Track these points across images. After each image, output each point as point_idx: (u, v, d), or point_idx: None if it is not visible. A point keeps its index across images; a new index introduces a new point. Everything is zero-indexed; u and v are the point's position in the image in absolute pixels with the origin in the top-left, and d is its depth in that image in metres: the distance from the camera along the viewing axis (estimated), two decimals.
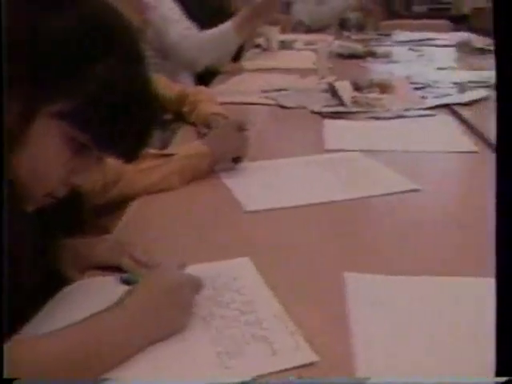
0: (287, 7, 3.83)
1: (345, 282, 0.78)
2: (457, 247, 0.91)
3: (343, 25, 3.73)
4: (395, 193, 1.10)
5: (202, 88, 1.81)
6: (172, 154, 1.17)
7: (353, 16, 3.73)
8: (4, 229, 0.55)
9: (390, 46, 3.24)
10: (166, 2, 2.13)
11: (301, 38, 3.42)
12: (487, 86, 2.00)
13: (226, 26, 2.02)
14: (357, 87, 1.88)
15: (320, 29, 3.74)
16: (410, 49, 3.09)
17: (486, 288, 0.77)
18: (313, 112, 1.72)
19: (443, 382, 0.62)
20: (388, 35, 3.63)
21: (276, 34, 3.13)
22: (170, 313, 0.68)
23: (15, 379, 0.55)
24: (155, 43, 2.10)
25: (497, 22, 0.61)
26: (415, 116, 1.65)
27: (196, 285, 0.72)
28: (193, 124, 1.56)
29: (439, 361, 0.64)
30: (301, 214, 1.04)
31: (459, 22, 5.29)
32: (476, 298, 0.76)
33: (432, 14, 5.72)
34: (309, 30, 3.75)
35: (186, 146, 1.24)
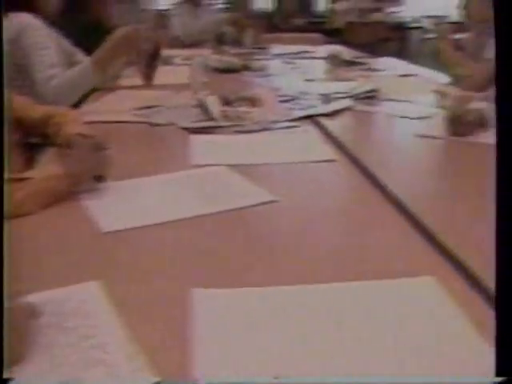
0: (163, 22, 3.84)
1: (193, 298, 0.79)
2: (313, 255, 0.94)
3: (220, 39, 3.78)
4: (253, 205, 1.12)
5: (68, 109, 1.77)
6: (29, 178, 1.14)
7: (228, 30, 3.79)
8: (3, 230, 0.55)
9: (267, 59, 3.33)
10: (37, 28, 2.06)
11: (180, 53, 3.44)
12: (351, 96, 2.10)
13: (85, 66, 1.98)
14: (227, 101, 1.91)
15: (196, 43, 3.78)
16: (284, 62, 3.19)
17: (332, 294, 0.82)
18: (182, 128, 1.73)
19: (444, 382, 0.64)
20: (265, 49, 3.72)
21: None
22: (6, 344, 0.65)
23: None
24: (25, 66, 2.04)
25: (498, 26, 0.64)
26: (281, 128, 1.71)
27: (32, 312, 0.70)
28: (60, 146, 1.51)
29: (286, 370, 0.66)
30: (160, 231, 1.04)
31: (333, 35, 5.53)
32: (325, 304, 0.79)
33: (310, 28, 5.93)
34: (186, 44, 3.77)
35: (43, 168, 1.21)
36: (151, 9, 5.40)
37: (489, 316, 0.73)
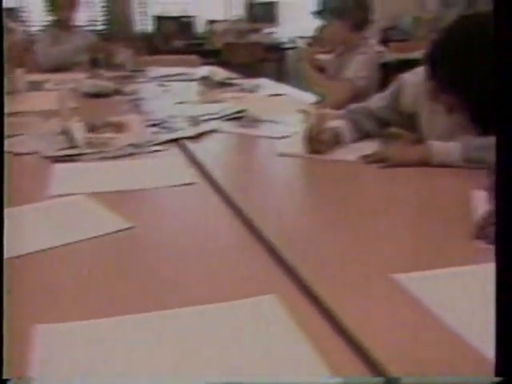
0: (31, 45, 3.74)
1: (37, 334, 0.77)
2: (168, 281, 0.95)
3: (94, 63, 3.72)
4: (109, 233, 1.12)
5: None
6: None
7: (101, 55, 3.75)
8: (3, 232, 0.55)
9: (143, 82, 3.33)
10: None
11: (52, 77, 3.36)
12: (220, 118, 2.15)
13: None
14: (93, 128, 1.89)
15: (65, 67, 3.71)
16: (158, 84, 3.19)
17: (183, 318, 0.83)
18: (45, 157, 1.69)
19: (445, 381, 0.64)
20: (143, 71, 3.71)
21: (22, 75, 3.03)
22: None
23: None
24: None
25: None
26: (146, 153, 1.71)
27: None
28: None
29: None
30: (13, 266, 1.00)
31: (212, 56, 5.61)
32: (175, 328, 0.80)
33: (190, 49, 5.97)
34: (47, 69, 3.69)
35: None
36: (21, 32, 5.24)
37: (324, 329, 0.78)
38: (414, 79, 1.75)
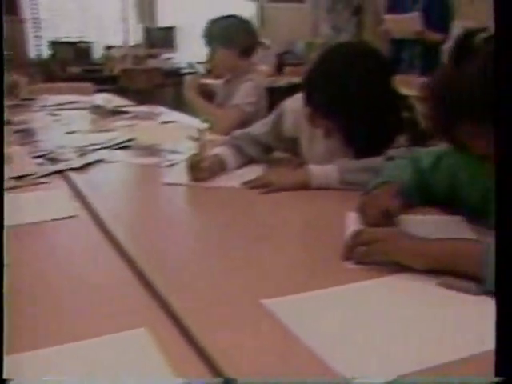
0: None
1: None
2: (38, 317, 0.94)
3: None
4: None
5: None
6: None
7: None
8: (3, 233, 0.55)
9: (33, 111, 3.24)
10: None
11: None
12: (107, 148, 2.13)
13: None
14: None
15: None
16: (49, 113, 3.12)
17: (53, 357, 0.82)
18: None
19: (444, 381, 0.64)
20: (33, 100, 3.61)
21: None
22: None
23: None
24: None
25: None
26: (29, 185, 1.67)
27: None
28: None
29: None
30: None
31: (110, 82, 5.56)
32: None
33: (87, 76, 5.88)
34: None
35: None
36: None
37: (192, 361, 0.80)
38: (295, 105, 1.82)
